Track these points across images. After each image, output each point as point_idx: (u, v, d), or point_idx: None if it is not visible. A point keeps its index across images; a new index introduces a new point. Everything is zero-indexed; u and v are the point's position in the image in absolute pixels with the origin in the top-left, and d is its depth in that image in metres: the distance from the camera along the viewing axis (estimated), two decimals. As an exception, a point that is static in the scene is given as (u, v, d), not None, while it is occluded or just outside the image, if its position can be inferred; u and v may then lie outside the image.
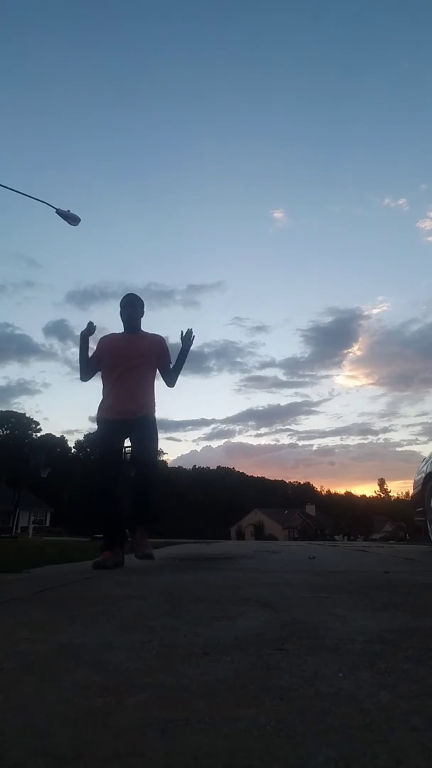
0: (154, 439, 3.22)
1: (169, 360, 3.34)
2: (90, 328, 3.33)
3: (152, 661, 0.91)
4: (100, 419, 3.22)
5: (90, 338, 3.37)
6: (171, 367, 3.37)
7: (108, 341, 3.35)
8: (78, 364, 3.36)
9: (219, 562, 3.54)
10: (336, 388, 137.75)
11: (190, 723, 0.63)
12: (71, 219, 10.61)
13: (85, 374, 3.35)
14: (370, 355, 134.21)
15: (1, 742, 0.58)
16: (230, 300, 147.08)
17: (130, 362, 3.19)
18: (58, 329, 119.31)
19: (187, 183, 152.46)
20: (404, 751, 0.55)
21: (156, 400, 3.32)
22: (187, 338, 3.37)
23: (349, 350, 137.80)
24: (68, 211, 10.56)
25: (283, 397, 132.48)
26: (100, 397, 3.26)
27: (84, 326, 3.35)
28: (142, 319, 3.39)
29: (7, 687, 0.78)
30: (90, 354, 3.36)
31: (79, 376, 3.36)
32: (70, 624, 1.24)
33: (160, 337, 3.39)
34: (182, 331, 3.37)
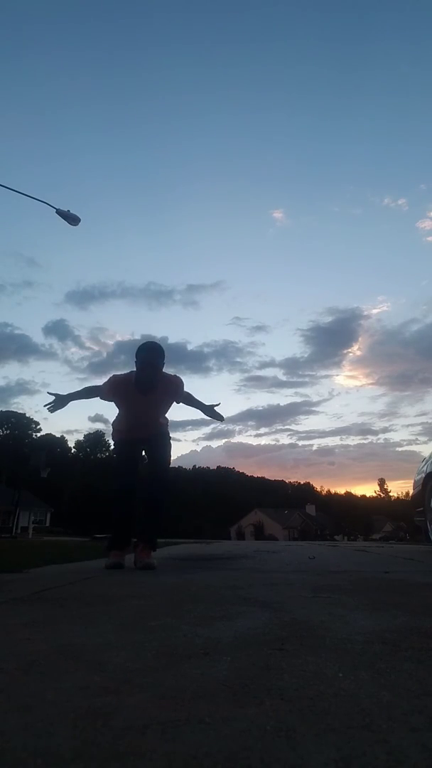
0: (168, 452, 3.23)
1: (182, 396, 3.22)
2: (57, 402, 3.19)
3: (152, 661, 0.91)
4: (117, 440, 3.27)
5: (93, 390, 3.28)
6: (184, 401, 3.29)
7: (120, 391, 3.08)
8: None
9: (219, 562, 3.54)
10: (336, 388, 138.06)
11: (190, 723, 0.63)
12: (71, 219, 10.62)
13: (95, 396, 3.26)
14: (370, 355, 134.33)
15: (1, 742, 0.58)
16: (230, 300, 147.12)
17: (144, 414, 3.13)
18: (57, 329, 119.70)
19: (186, 183, 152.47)
20: (404, 751, 0.55)
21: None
22: (212, 412, 3.38)
23: (349, 350, 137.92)
24: (68, 211, 10.57)
25: (282, 397, 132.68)
26: (101, 399, 3.26)
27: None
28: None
29: (7, 687, 0.78)
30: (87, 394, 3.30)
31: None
32: (70, 624, 1.24)
33: (178, 380, 3.14)
34: (215, 407, 3.39)
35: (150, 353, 2.96)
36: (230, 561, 3.62)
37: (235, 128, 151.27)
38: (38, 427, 69.44)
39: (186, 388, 3.28)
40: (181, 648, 0.99)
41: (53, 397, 3.20)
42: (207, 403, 3.41)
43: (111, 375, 3.23)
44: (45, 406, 3.22)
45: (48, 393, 3.23)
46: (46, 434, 71.03)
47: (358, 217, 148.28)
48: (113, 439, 3.34)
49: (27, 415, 69.69)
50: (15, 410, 71.28)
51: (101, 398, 3.25)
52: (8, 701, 0.71)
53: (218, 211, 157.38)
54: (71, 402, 3.24)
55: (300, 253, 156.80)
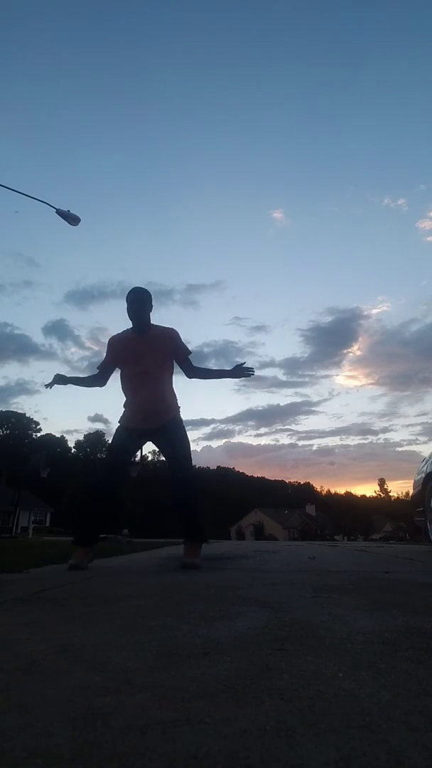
0: (186, 445, 3.15)
1: (184, 352, 3.21)
2: (57, 381, 3.21)
3: (152, 661, 0.91)
4: (121, 425, 3.18)
5: (105, 338, 3.31)
6: (194, 366, 3.25)
7: (118, 343, 3.20)
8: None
9: (219, 562, 3.54)
10: (336, 388, 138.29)
11: (190, 723, 0.63)
12: (71, 219, 10.61)
13: (100, 382, 3.28)
14: (370, 355, 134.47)
15: (1, 742, 0.58)
16: (229, 300, 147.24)
17: (146, 365, 3.10)
18: (57, 329, 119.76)
19: (186, 183, 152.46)
20: (404, 751, 0.55)
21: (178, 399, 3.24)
22: (239, 371, 3.24)
23: (349, 350, 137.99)
24: (68, 211, 10.56)
25: (282, 397, 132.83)
26: (102, 398, 3.32)
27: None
28: (151, 313, 3.18)
29: (7, 687, 0.78)
30: (93, 371, 3.30)
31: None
32: (70, 624, 1.24)
33: (172, 330, 3.21)
34: (240, 363, 3.25)
35: (134, 294, 3.13)
36: (230, 561, 3.62)
37: (235, 128, 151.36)
38: (38, 427, 69.56)
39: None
40: (181, 648, 0.99)
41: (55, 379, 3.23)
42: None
43: None
44: (45, 385, 3.24)
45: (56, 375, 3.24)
46: (46, 434, 71.14)
47: (358, 217, 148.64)
48: (118, 424, 3.21)
49: (27, 415, 69.82)
50: (15, 410, 71.39)
51: (102, 373, 3.24)
52: (8, 701, 0.71)
53: (218, 211, 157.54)
54: (73, 385, 3.28)
55: (300, 253, 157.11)
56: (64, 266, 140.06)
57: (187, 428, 3.22)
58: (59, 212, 10.48)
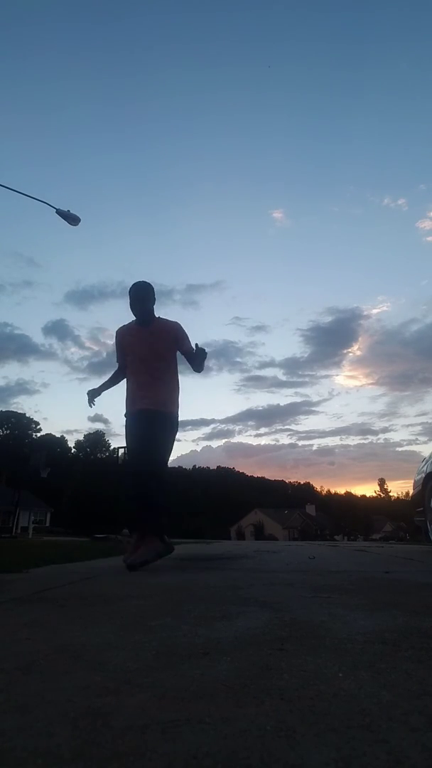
0: (165, 440, 3.06)
1: (188, 344, 3.21)
2: (93, 396, 3.32)
3: (152, 661, 0.91)
4: (126, 414, 3.18)
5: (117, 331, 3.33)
6: (190, 358, 3.22)
7: (125, 334, 3.26)
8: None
9: (219, 562, 3.54)
10: (336, 388, 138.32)
11: (190, 723, 0.63)
12: (71, 219, 10.61)
13: (122, 377, 3.34)
14: (369, 355, 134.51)
15: (1, 742, 0.58)
16: (229, 300, 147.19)
17: (148, 356, 3.12)
18: (57, 329, 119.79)
19: (186, 182, 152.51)
20: (404, 751, 0.55)
21: (180, 399, 3.23)
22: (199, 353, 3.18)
23: (349, 350, 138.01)
24: (68, 211, 10.56)
25: (282, 397, 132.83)
26: (103, 398, 3.30)
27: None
28: (154, 306, 3.22)
29: (7, 687, 0.78)
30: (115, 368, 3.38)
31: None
32: (70, 624, 1.24)
33: (175, 324, 3.24)
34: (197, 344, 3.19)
35: (136, 288, 3.17)
36: (230, 561, 3.62)
37: (235, 128, 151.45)
38: (38, 427, 69.59)
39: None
40: (181, 648, 0.99)
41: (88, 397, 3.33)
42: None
43: None
44: (89, 405, 3.35)
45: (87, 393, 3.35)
46: (46, 434, 71.14)
47: (358, 217, 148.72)
48: (125, 417, 3.20)
49: (27, 415, 69.86)
50: (15, 410, 71.41)
51: (122, 366, 3.30)
52: (8, 701, 0.71)
53: (218, 211, 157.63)
54: (105, 390, 3.37)
55: (300, 253, 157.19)
56: (64, 266, 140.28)
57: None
58: (59, 212, 10.48)
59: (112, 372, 3.45)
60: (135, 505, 2.99)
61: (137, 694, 0.74)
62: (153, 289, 3.23)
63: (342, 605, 1.48)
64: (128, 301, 3.18)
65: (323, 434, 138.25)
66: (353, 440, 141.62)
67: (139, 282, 3.21)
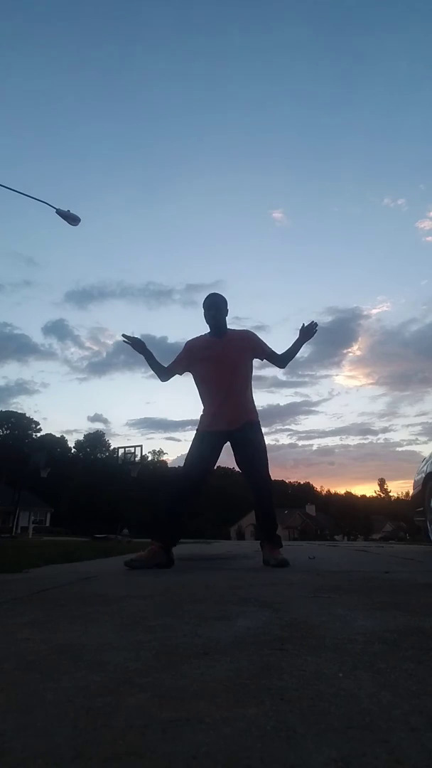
0: (264, 453, 3.17)
1: (265, 348, 3.24)
2: (135, 342, 3.16)
3: (152, 661, 0.91)
4: (198, 431, 3.18)
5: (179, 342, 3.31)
6: (278, 353, 3.28)
7: (196, 347, 3.23)
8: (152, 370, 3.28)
9: (219, 561, 3.54)
10: (336, 388, 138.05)
11: (190, 723, 0.63)
12: (71, 219, 10.62)
13: (164, 376, 3.28)
14: (369, 355, 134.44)
15: (1, 742, 0.58)
16: (229, 299, 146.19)
17: (224, 368, 3.13)
18: (56, 329, 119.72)
19: (186, 182, 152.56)
20: (404, 751, 0.55)
21: (256, 405, 3.28)
22: (309, 331, 3.24)
23: (349, 350, 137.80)
24: (68, 211, 10.57)
25: (282, 397, 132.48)
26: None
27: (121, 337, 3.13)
28: (227, 317, 3.25)
29: (7, 687, 0.78)
30: (172, 360, 3.30)
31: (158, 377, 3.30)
32: (70, 624, 1.24)
33: (248, 332, 3.29)
34: (303, 324, 3.26)
35: (211, 299, 3.20)
36: (230, 561, 3.62)
37: (234, 128, 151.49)
38: (38, 427, 69.60)
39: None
40: (181, 648, 0.99)
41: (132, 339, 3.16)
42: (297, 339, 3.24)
43: None
44: (123, 336, 3.17)
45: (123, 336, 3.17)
46: (46, 434, 71.13)
47: (357, 217, 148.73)
48: (195, 433, 3.20)
49: (27, 415, 69.85)
50: (15, 410, 71.40)
51: (170, 369, 3.23)
52: (8, 701, 0.71)
53: (218, 211, 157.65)
54: (145, 358, 3.22)
55: (300, 253, 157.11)
56: (64, 266, 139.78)
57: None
58: (59, 212, 10.49)
59: (165, 364, 3.31)
60: (261, 523, 3.17)
61: (137, 694, 0.74)
62: (226, 300, 3.26)
63: (342, 605, 1.48)
64: (202, 312, 3.21)
65: (323, 434, 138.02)
66: (353, 440, 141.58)
67: (213, 293, 3.27)
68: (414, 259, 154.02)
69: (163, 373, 3.28)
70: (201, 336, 3.29)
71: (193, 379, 3.29)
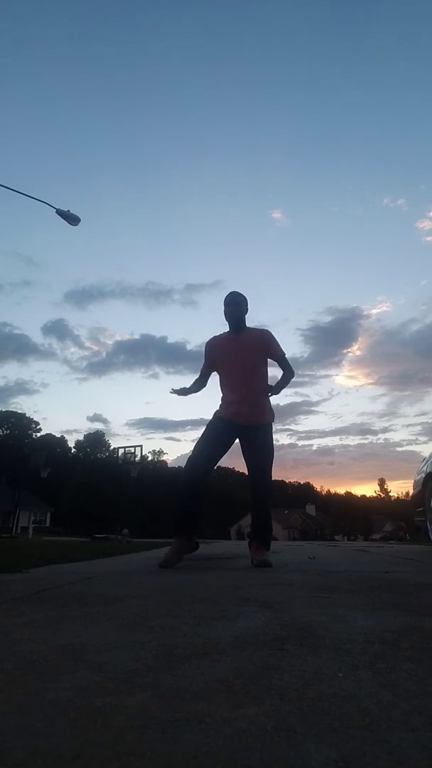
0: (270, 455, 3.23)
1: (278, 351, 3.30)
2: (181, 391, 3.36)
3: (152, 661, 0.91)
4: (216, 415, 3.26)
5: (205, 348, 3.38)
6: (286, 365, 3.33)
7: (216, 345, 3.33)
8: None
9: (219, 562, 3.54)
10: (335, 388, 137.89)
11: (190, 723, 0.63)
12: (71, 219, 10.62)
13: (202, 385, 3.42)
14: (369, 355, 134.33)
15: (1, 742, 0.58)
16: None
17: (242, 365, 3.20)
18: (56, 329, 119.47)
19: (186, 182, 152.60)
20: (404, 751, 0.55)
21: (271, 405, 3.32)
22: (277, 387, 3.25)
23: (349, 350, 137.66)
24: (68, 211, 10.57)
25: (282, 397, 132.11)
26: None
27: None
28: (246, 315, 3.31)
29: (7, 687, 0.78)
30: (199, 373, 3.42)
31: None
32: (70, 624, 1.24)
33: (266, 331, 3.32)
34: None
35: (231, 296, 3.27)
36: (230, 561, 3.62)
37: (234, 128, 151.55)
38: (38, 427, 69.59)
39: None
40: (181, 648, 0.99)
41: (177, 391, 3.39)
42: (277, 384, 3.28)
43: None
44: (172, 391, 3.39)
45: (172, 390, 3.41)
46: (46, 434, 71.13)
47: (357, 217, 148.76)
48: (213, 416, 3.29)
49: (27, 415, 69.85)
50: (15, 410, 71.39)
51: (204, 372, 3.37)
52: (8, 701, 0.71)
53: (218, 211, 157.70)
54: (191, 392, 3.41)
55: (299, 253, 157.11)
56: (63, 266, 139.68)
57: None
58: (59, 212, 10.49)
59: (196, 377, 3.46)
60: (253, 525, 3.21)
61: (137, 694, 0.74)
62: (246, 299, 3.32)
63: (342, 605, 1.48)
64: (222, 309, 3.26)
65: (323, 434, 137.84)
66: (353, 440, 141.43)
67: (233, 291, 3.32)
68: (414, 259, 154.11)
69: (200, 384, 3.41)
70: (220, 334, 3.35)
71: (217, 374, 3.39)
